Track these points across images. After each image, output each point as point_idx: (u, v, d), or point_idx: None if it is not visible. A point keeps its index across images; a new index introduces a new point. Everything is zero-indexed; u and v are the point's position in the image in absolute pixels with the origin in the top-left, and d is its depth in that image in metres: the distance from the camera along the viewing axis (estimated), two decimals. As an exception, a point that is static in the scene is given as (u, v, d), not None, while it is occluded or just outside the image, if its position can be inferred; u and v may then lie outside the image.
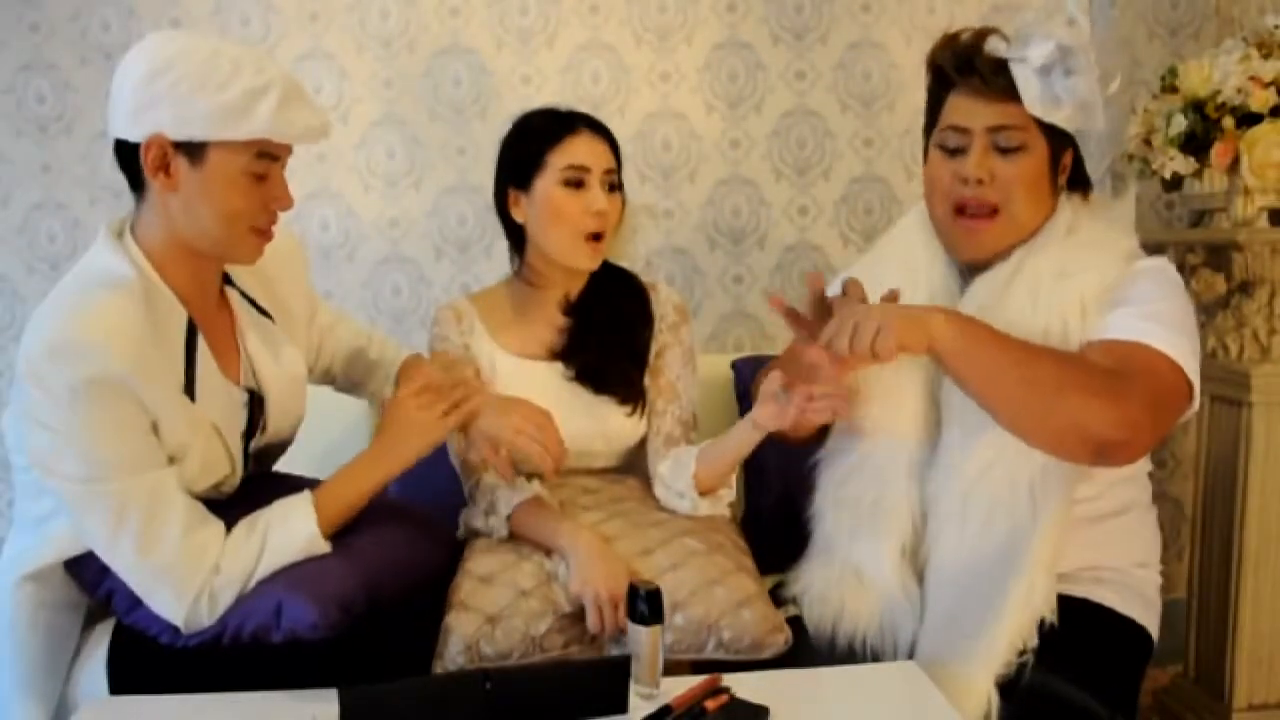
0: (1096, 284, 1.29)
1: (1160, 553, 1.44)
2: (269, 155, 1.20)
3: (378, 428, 1.36)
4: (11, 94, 2.11)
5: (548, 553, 1.38)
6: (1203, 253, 1.92)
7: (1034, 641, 1.23)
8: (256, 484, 1.33)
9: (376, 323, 2.18)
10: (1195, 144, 1.82)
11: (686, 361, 1.60)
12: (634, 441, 1.59)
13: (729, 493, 1.51)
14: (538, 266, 1.57)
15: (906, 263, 1.42)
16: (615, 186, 1.54)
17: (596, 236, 1.51)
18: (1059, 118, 1.30)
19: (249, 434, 1.32)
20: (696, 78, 2.17)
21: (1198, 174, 1.85)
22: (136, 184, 1.21)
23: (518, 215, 1.55)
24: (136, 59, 1.16)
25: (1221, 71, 1.78)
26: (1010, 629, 1.22)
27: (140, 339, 1.14)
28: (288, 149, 1.23)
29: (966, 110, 1.33)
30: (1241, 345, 1.88)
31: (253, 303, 1.35)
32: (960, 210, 1.34)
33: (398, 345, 1.59)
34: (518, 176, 1.54)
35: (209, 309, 1.29)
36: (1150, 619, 1.38)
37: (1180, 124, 1.82)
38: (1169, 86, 1.90)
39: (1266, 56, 1.77)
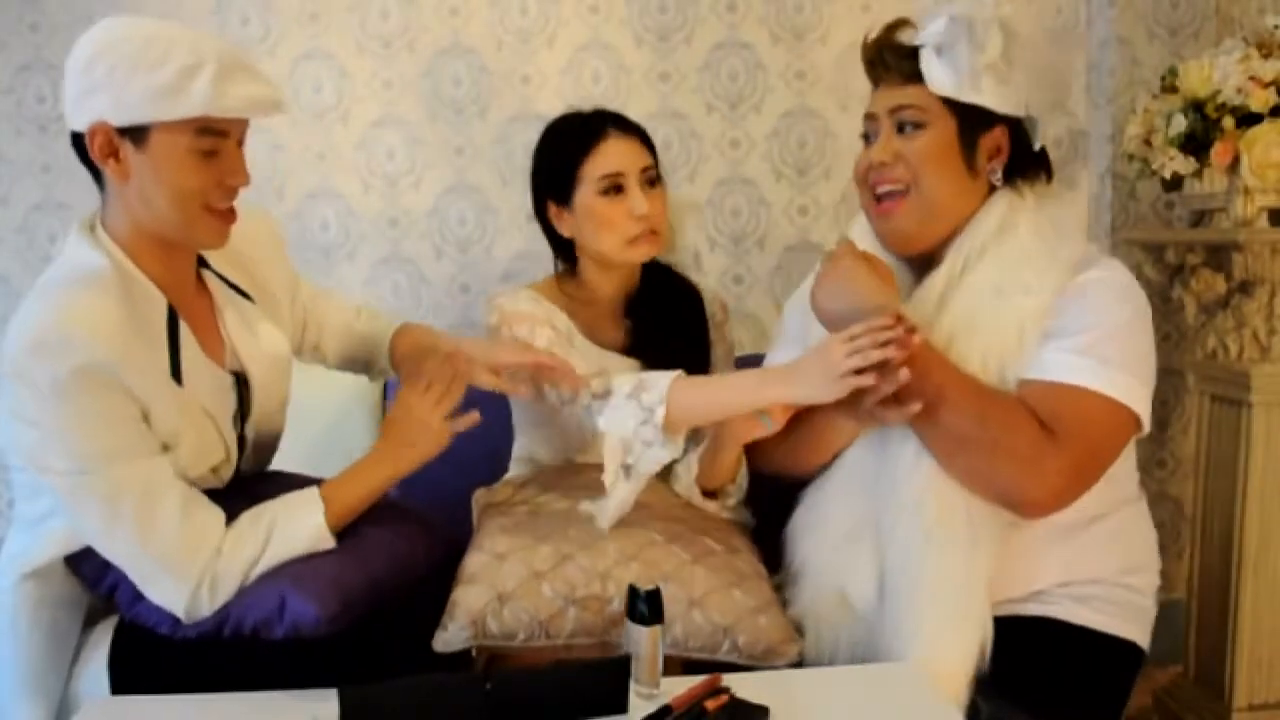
0: (1035, 306, 1.25)
1: (1156, 550, 1.40)
2: (214, 132, 1.18)
3: (385, 424, 1.35)
4: (11, 94, 2.11)
5: (565, 532, 1.35)
6: (1203, 253, 1.91)
7: (984, 666, 1.21)
8: (258, 482, 1.33)
9: (376, 323, 2.19)
10: (1195, 144, 1.82)
11: (729, 361, 1.63)
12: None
13: (736, 490, 1.50)
14: (592, 272, 1.56)
15: None
16: (655, 181, 1.52)
17: (653, 233, 1.50)
18: (946, 89, 1.29)
19: (240, 417, 1.32)
20: (696, 78, 2.17)
21: (1198, 174, 1.85)
22: (98, 175, 1.21)
23: (564, 230, 1.54)
24: (79, 47, 1.16)
25: (1221, 71, 1.78)
26: (947, 655, 1.20)
27: (122, 328, 1.14)
28: (238, 124, 1.21)
29: (876, 100, 1.37)
30: (1241, 345, 1.88)
31: (231, 285, 1.35)
32: (877, 199, 1.35)
33: (389, 318, 1.58)
34: (556, 192, 1.53)
35: (187, 294, 1.29)
36: (1139, 630, 1.34)
37: (1180, 124, 1.82)
38: (1169, 86, 1.90)
39: (1266, 56, 1.76)
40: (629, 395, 1.35)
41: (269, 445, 1.43)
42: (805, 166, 2.21)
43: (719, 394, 1.35)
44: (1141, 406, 1.23)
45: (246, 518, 1.22)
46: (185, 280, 1.29)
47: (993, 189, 1.33)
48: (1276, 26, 1.80)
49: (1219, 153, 1.78)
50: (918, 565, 1.23)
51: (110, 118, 1.14)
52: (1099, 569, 1.31)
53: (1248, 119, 1.76)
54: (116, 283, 1.17)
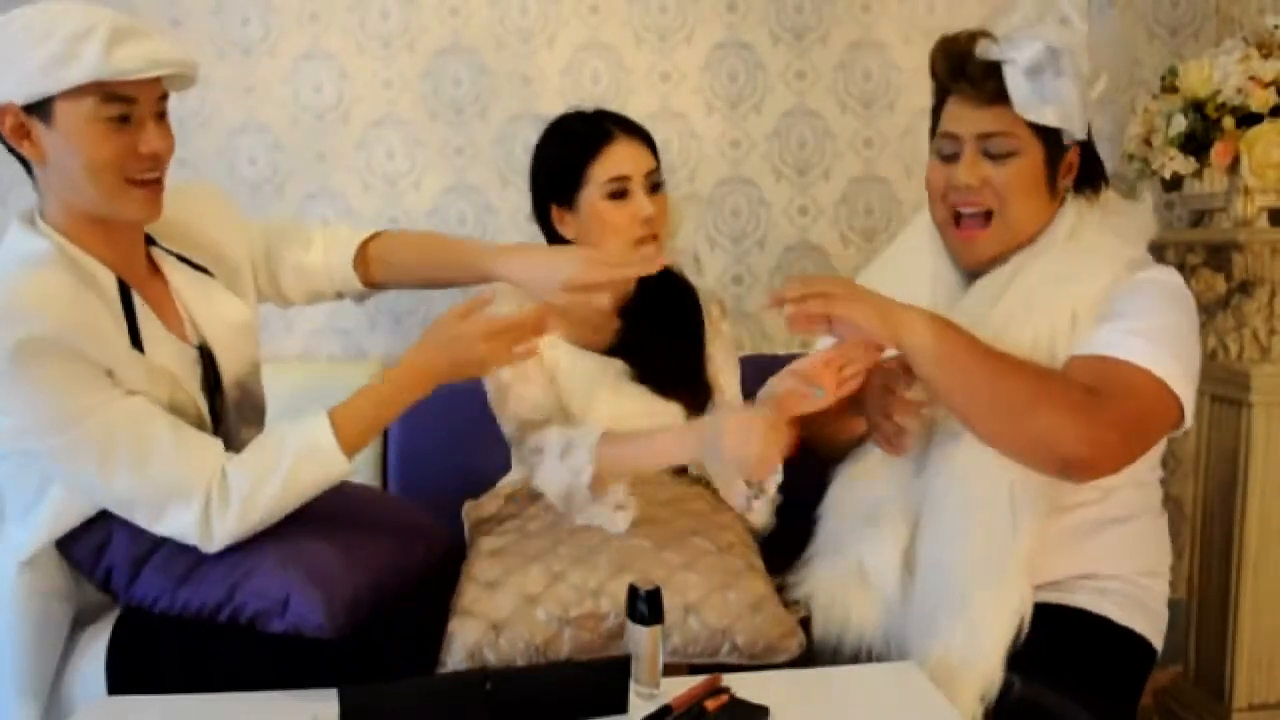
0: (1091, 293, 1.28)
1: (1170, 561, 1.41)
2: (118, 98, 1.16)
3: (422, 342, 1.30)
4: (11, 94, 2.11)
5: (554, 551, 1.36)
6: (1203, 253, 1.92)
7: (1018, 645, 1.22)
8: None
9: (377, 322, 2.19)
10: (1195, 144, 1.83)
11: (728, 356, 1.62)
12: None
13: (773, 481, 1.48)
14: None
15: (911, 268, 1.43)
16: (658, 185, 1.52)
17: (655, 237, 1.50)
18: (1049, 119, 1.28)
19: (210, 390, 1.31)
20: (696, 78, 2.17)
21: (1198, 174, 1.85)
22: (27, 166, 1.21)
23: (566, 231, 1.53)
24: None
25: (1221, 71, 1.78)
26: (986, 633, 1.21)
27: (73, 301, 1.14)
28: (146, 90, 1.18)
29: (957, 117, 1.33)
30: (1241, 345, 1.88)
31: (185, 260, 1.34)
32: (956, 219, 1.35)
33: (350, 236, 1.49)
34: (559, 194, 1.51)
35: (139, 274, 1.28)
36: (1153, 629, 1.35)
37: (1180, 124, 1.82)
38: (1169, 86, 1.90)
39: (1266, 56, 1.77)
40: (559, 457, 1.38)
41: (253, 418, 1.42)
42: (805, 166, 2.21)
43: (641, 454, 1.37)
44: (1186, 397, 1.22)
45: (253, 442, 1.23)
46: (134, 259, 1.28)
47: (1062, 200, 1.35)
48: (1276, 26, 1.80)
49: (1219, 153, 1.78)
50: (961, 540, 1.24)
51: (14, 97, 1.14)
52: (1122, 567, 1.34)
53: (1248, 119, 1.76)
54: (62, 264, 1.17)
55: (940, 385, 1.22)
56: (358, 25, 2.12)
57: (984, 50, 1.30)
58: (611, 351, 1.54)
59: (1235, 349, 1.89)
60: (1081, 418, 1.16)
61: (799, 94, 2.19)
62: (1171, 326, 1.25)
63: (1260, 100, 1.74)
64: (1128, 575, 1.34)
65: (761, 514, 1.51)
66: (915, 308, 1.23)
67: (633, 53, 2.16)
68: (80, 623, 1.30)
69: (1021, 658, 1.22)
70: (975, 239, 1.34)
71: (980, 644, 1.21)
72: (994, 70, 1.29)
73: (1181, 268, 1.96)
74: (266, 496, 1.19)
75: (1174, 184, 1.91)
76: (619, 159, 1.48)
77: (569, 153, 1.50)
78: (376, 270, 1.48)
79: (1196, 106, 1.81)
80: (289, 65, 2.12)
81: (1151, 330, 1.23)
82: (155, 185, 1.23)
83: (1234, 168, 1.79)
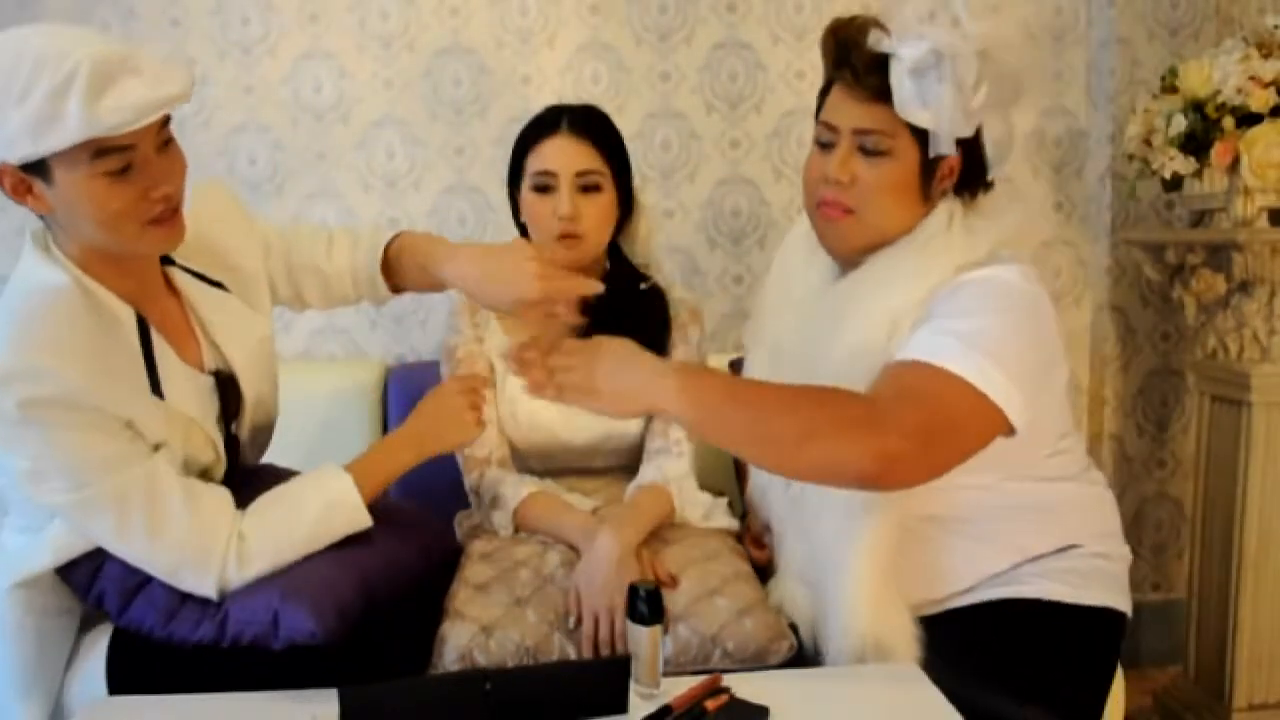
0: (913, 299, 1.21)
1: (1117, 521, 1.37)
2: (114, 149, 1.06)
3: (422, 405, 1.37)
4: (11, 94, 2.11)
5: (544, 555, 1.39)
6: (1203, 253, 1.92)
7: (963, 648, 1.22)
8: (254, 476, 1.32)
9: (376, 322, 2.18)
10: (1195, 144, 1.83)
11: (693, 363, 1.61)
12: (640, 440, 1.60)
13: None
14: None
15: (786, 270, 1.45)
16: (594, 187, 1.51)
17: (573, 236, 1.50)
18: (927, 122, 1.22)
19: (227, 417, 1.29)
20: (696, 78, 2.17)
21: (1198, 174, 1.86)
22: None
23: (523, 217, 1.59)
24: None
25: (1221, 71, 1.78)
26: (845, 634, 1.21)
27: (93, 352, 1.11)
28: (145, 133, 1.09)
29: (837, 108, 1.28)
30: (1241, 345, 1.88)
31: (201, 276, 1.30)
32: (820, 201, 1.31)
33: (371, 238, 1.45)
34: (513, 181, 1.59)
35: (154, 299, 1.24)
36: (1115, 596, 1.31)
37: (1180, 124, 1.83)
38: (1169, 86, 1.90)
39: (1266, 56, 1.77)
40: (488, 506, 1.51)
41: (265, 437, 1.42)
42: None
43: (553, 531, 1.45)
44: (1006, 398, 1.13)
45: (268, 499, 1.22)
46: (150, 285, 1.24)
47: (936, 203, 1.29)
48: (1276, 26, 1.80)
49: (1219, 153, 1.78)
50: (818, 543, 1.26)
51: (6, 157, 1.06)
52: (1058, 542, 1.30)
53: (1248, 119, 1.76)
54: (81, 301, 1.14)
55: (716, 442, 1.19)
56: (358, 25, 2.12)
57: (874, 41, 1.23)
58: None
59: (1235, 349, 1.89)
60: (858, 435, 1.09)
61: (799, 94, 2.19)
62: (991, 327, 1.16)
63: (1260, 100, 1.74)
64: (1070, 549, 1.30)
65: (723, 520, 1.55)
66: (675, 375, 1.14)
67: (633, 53, 2.16)
68: (85, 625, 1.30)
69: (971, 662, 1.20)
70: (835, 221, 1.29)
71: (842, 646, 1.22)
72: (880, 64, 1.22)
73: (1181, 268, 1.97)
74: (290, 554, 1.20)
75: (1174, 184, 1.91)
76: (549, 154, 1.51)
77: (518, 144, 1.57)
78: (397, 277, 1.46)
79: (1196, 106, 1.81)
80: (289, 65, 2.11)
81: (965, 331, 1.14)
82: (174, 216, 1.17)
83: (1234, 168, 1.79)
